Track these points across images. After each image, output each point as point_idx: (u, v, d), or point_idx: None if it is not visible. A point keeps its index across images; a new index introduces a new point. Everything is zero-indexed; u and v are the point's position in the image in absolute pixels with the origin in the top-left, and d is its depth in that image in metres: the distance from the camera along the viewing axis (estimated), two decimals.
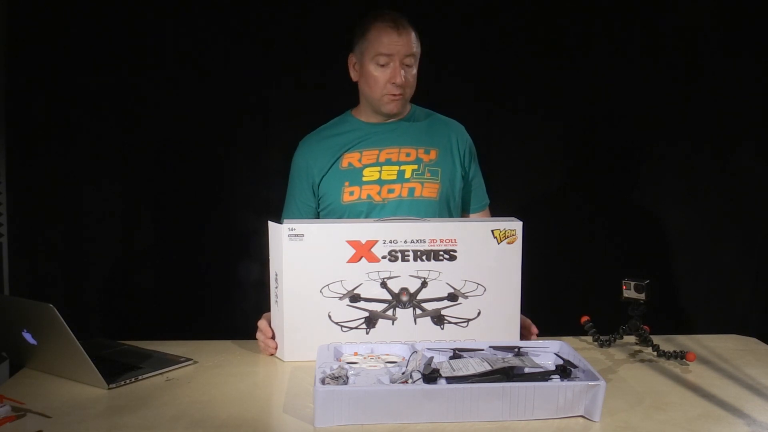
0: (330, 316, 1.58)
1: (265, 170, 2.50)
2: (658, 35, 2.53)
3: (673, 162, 2.60)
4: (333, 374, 1.35)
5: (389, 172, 1.86)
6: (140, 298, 2.53)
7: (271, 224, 1.58)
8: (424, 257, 1.58)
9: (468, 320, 1.61)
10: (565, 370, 1.37)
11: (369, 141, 1.89)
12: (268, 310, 1.64)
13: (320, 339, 1.53)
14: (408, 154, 1.88)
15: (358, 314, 1.58)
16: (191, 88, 2.45)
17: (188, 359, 1.60)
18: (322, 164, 1.88)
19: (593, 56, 2.54)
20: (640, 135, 2.59)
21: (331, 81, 2.17)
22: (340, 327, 1.58)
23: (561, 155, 2.63)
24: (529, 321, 1.71)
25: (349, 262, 1.56)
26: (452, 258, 1.58)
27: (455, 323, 1.61)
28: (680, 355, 1.61)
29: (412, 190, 1.85)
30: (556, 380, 1.35)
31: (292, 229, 1.54)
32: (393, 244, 1.57)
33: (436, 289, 1.59)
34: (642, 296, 1.67)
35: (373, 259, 1.56)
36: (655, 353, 1.65)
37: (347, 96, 1.95)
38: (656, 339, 1.70)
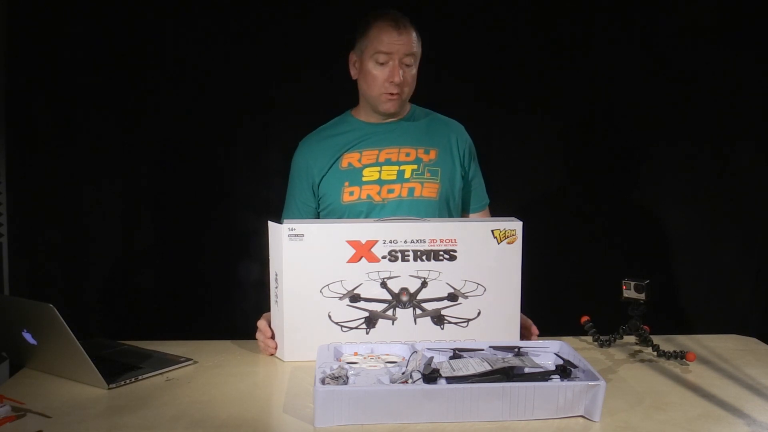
0: (330, 316, 1.58)
1: (265, 170, 2.50)
2: (658, 35, 2.53)
3: (673, 162, 2.60)
4: (333, 374, 1.35)
5: (389, 172, 1.86)
6: (140, 298, 2.53)
7: (271, 224, 1.58)
8: (424, 257, 1.58)
9: (468, 320, 1.61)
10: (565, 370, 1.37)
11: (369, 141, 1.89)
12: (268, 310, 1.64)
13: (320, 339, 1.53)
14: (408, 154, 1.88)
15: (358, 314, 1.58)
16: (191, 88, 2.45)
17: (188, 359, 1.61)
18: (321, 164, 1.89)
19: (593, 56, 2.54)
20: (640, 135, 2.59)
21: (331, 81, 2.17)
22: (340, 327, 1.58)
23: (561, 155, 2.63)
24: (529, 321, 1.71)
25: (349, 262, 1.56)
26: (452, 258, 1.58)
27: (455, 323, 1.61)
28: (680, 355, 1.61)
29: (411, 190, 1.86)
30: (556, 380, 1.35)
31: (292, 229, 1.54)
32: (393, 244, 1.57)
33: (436, 289, 1.59)
34: (642, 296, 1.67)
35: (373, 259, 1.56)
36: (655, 353, 1.65)
37: (347, 96, 1.95)
38: (656, 339, 1.70)
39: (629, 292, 1.68)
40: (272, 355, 1.64)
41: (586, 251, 2.61)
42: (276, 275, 1.59)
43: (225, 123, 2.49)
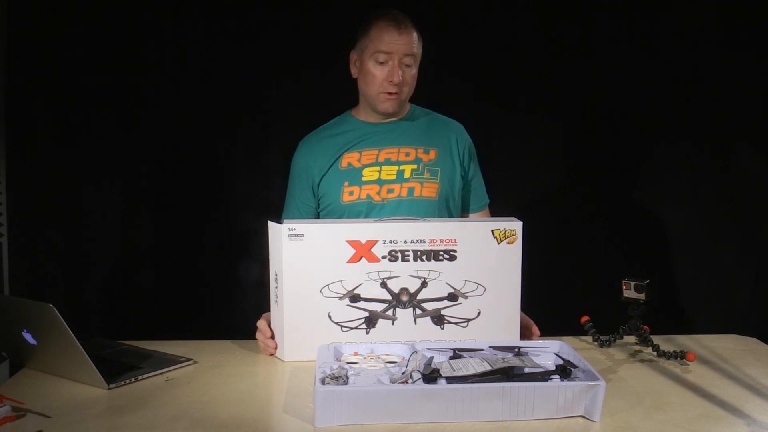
0: (330, 316, 1.58)
1: (265, 170, 2.50)
2: (658, 35, 2.53)
3: (673, 162, 2.60)
4: (333, 374, 1.35)
5: (389, 172, 1.86)
6: (140, 298, 2.53)
7: (271, 224, 1.58)
8: (424, 257, 1.58)
9: (468, 320, 1.61)
10: (565, 370, 1.37)
11: (368, 141, 1.89)
12: (268, 310, 1.64)
13: (320, 339, 1.53)
14: (407, 154, 1.88)
15: (358, 314, 1.58)
16: (191, 88, 2.45)
17: (188, 359, 1.60)
18: (321, 164, 1.89)
19: (593, 56, 2.54)
20: (640, 135, 2.59)
21: (331, 81, 2.17)
22: (340, 327, 1.58)
23: (561, 155, 2.63)
24: (531, 321, 1.71)
25: (349, 262, 1.56)
26: (452, 258, 1.58)
27: (455, 323, 1.61)
28: (680, 355, 1.61)
29: (411, 190, 1.86)
30: (556, 380, 1.35)
31: (292, 229, 1.54)
32: (393, 244, 1.57)
33: (436, 289, 1.59)
34: (642, 296, 1.67)
35: (373, 259, 1.56)
36: (655, 353, 1.65)
37: (347, 96, 1.95)
38: (656, 339, 1.70)
39: (629, 292, 1.68)
40: (272, 355, 1.64)
41: (586, 251, 2.61)
42: (276, 275, 1.59)
43: (225, 123, 2.49)
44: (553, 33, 2.54)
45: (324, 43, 2.36)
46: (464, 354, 1.46)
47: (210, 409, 1.35)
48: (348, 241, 1.56)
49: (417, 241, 1.57)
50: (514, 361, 1.37)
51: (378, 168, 1.86)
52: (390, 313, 1.59)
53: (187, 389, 1.45)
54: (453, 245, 1.58)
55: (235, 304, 2.49)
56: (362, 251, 1.56)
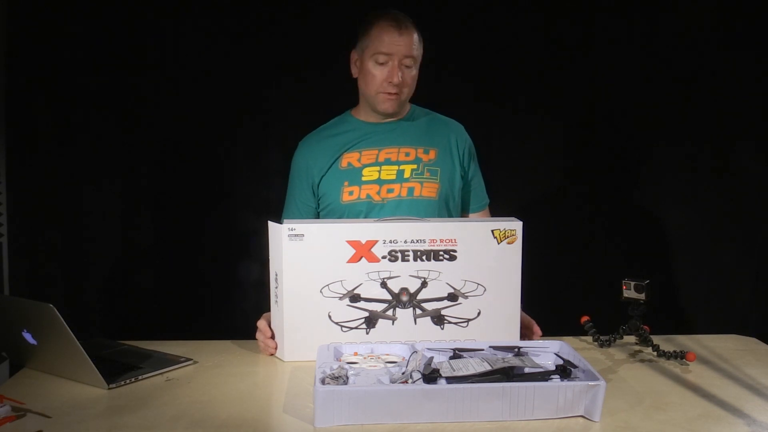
0: (330, 316, 1.58)
1: (265, 170, 2.50)
2: (658, 35, 2.53)
3: (673, 162, 2.60)
4: (333, 374, 1.35)
5: (388, 172, 1.86)
6: (140, 298, 2.53)
7: (271, 224, 1.58)
8: (424, 257, 1.58)
9: (468, 320, 1.61)
10: (565, 370, 1.37)
11: (368, 141, 1.89)
12: (268, 310, 1.64)
13: (320, 339, 1.53)
14: (407, 154, 1.88)
15: (358, 314, 1.58)
16: (191, 88, 2.45)
17: (188, 359, 1.61)
18: (321, 164, 1.89)
19: (593, 56, 2.54)
20: (640, 135, 2.59)
21: (331, 81, 2.17)
22: (340, 327, 1.58)
23: (561, 155, 2.63)
24: (532, 321, 1.71)
25: (349, 262, 1.56)
26: (452, 258, 1.58)
27: (455, 323, 1.61)
28: (680, 355, 1.61)
29: (411, 190, 1.86)
30: (556, 380, 1.35)
31: (292, 229, 1.54)
32: (393, 244, 1.57)
33: (436, 289, 1.59)
34: (642, 296, 1.67)
35: (373, 259, 1.56)
36: (655, 353, 1.65)
37: (347, 96, 1.95)
38: (656, 339, 1.70)
39: (629, 292, 1.68)
40: (272, 355, 1.64)
41: (586, 251, 2.61)
42: (276, 275, 1.59)
43: (225, 123, 2.49)
44: (553, 33, 2.54)
45: (324, 43, 2.36)
46: (464, 354, 1.46)
47: (210, 409, 1.35)
48: (348, 241, 1.56)
49: (417, 241, 1.57)
50: (514, 361, 1.37)
51: (378, 168, 1.86)
52: (390, 313, 1.59)
53: (187, 389, 1.45)
54: (453, 245, 1.58)
55: (235, 304, 2.49)
56: (362, 251, 1.56)
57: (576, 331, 1.79)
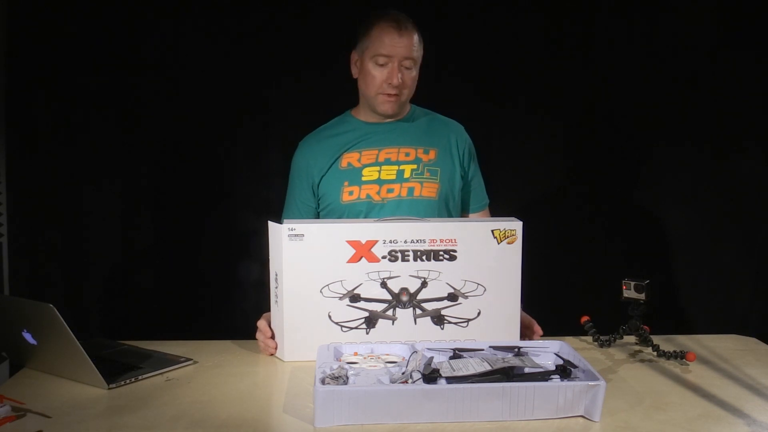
0: (330, 316, 1.58)
1: (265, 170, 2.50)
2: (658, 35, 2.53)
3: (673, 162, 2.60)
4: (333, 374, 1.35)
5: (388, 172, 1.86)
6: (140, 298, 2.53)
7: (271, 224, 1.58)
8: (424, 257, 1.58)
9: (468, 320, 1.61)
10: (565, 370, 1.37)
11: (368, 141, 1.89)
12: (268, 310, 1.64)
13: (320, 339, 1.53)
14: (407, 154, 1.88)
15: (358, 314, 1.58)
16: (191, 88, 2.45)
17: (188, 359, 1.61)
18: (321, 164, 1.89)
19: (593, 56, 2.54)
20: (640, 135, 2.59)
21: (331, 81, 2.17)
22: (340, 327, 1.58)
23: (561, 155, 2.63)
24: (533, 320, 1.71)
25: (349, 262, 1.56)
26: (452, 258, 1.58)
27: (455, 323, 1.61)
28: (680, 355, 1.61)
29: (411, 190, 1.85)
30: (556, 380, 1.35)
31: (292, 229, 1.54)
32: (393, 244, 1.57)
33: (436, 289, 1.59)
34: (642, 296, 1.67)
35: (373, 259, 1.56)
36: (655, 353, 1.65)
37: (347, 96, 1.95)
38: (656, 339, 1.70)
39: (629, 292, 1.68)
40: (272, 355, 1.64)
41: (586, 251, 2.61)
42: (276, 275, 1.59)
43: (225, 123, 2.49)
44: (553, 33, 2.54)
45: (324, 43, 2.36)
46: (464, 354, 1.46)
47: (210, 409, 1.35)
48: (348, 241, 1.56)
49: (417, 241, 1.57)
50: (514, 361, 1.37)
51: (378, 168, 1.86)
52: (390, 313, 1.59)
53: (187, 389, 1.45)
54: (453, 245, 1.58)
55: (235, 304, 2.49)
56: (362, 251, 1.56)
57: (576, 331, 1.79)
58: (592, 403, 1.28)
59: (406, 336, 1.58)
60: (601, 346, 1.74)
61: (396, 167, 1.86)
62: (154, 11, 2.40)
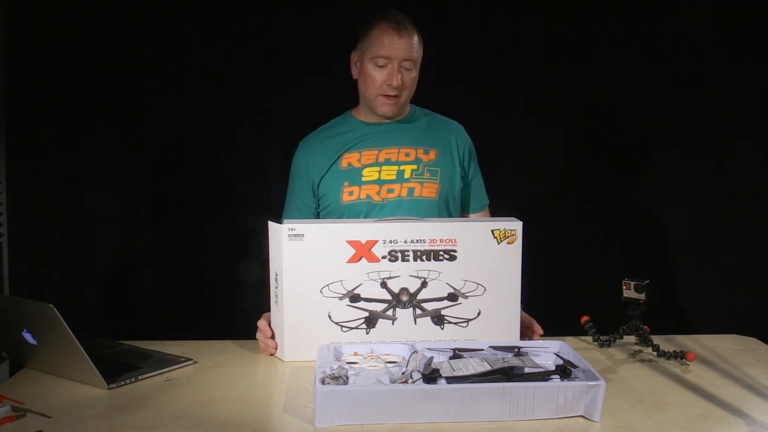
0: (330, 316, 1.58)
1: (265, 170, 2.50)
2: (658, 35, 2.53)
3: (673, 162, 2.60)
4: (333, 374, 1.35)
5: (388, 172, 1.86)
6: (140, 298, 2.53)
7: (271, 224, 1.58)
8: (424, 257, 1.58)
9: (468, 320, 1.61)
10: (565, 370, 1.37)
11: (368, 141, 1.89)
12: (268, 310, 1.64)
13: (320, 339, 1.53)
14: (407, 154, 1.88)
15: (358, 314, 1.58)
16: (191, 88, 2.45)
17: (188, 359, 1.61)
18: (321, 164, 1.89)
19: (593, 56, 2.54)
20: (640, 135, 2.59)
21: (331, 81, 2.17)
22: (340, 327, 1.58)
23: (561, 155, 2.63)
24: (533, 320, 1.71)
25: (349, 262, 1.56)
26: (452, 258, 1.58)
27: (455, 323, 1.61)
28: (680, 355, 1.61)
29: (411, 190, 1.85)
30: (556, 380, 1.35)
31: (292, 229, 1.54)
32: (393, 244, 1.57)
33: (436, 289, 1.59)
34: (642, 296, 1.67)
35: (373, 259, 1.56)
36: (655, 353, 1.65)
37: (347, 96, 1.95)
38: (656, 339, 1.70)
39: (629, 292, 1.68)
40: (272, 355, 1.64)
41: (586, 251, 2.61)
42: (276, 275, 1.59)
43: (225, 123, 2.49)
44: (553, 33, 2.54)
45: (324, 44, 2.36)
46: (464, 354, 1.46)
47: (210, 409, 1.35)
48: (348, 241, 1.56)
49: (417, 241, 1.57)
50: (514, 361, 1.37)
51: (378, 168, 1.86)
52: (390, 313, 1.59)
53: (187, 389, 1.45)
54: (453, 245, 1.58)
55: (235, 304, 2.49)
56: (362, 251, 1.56)
57: (576, 331, 1.79)
58: (592, 403, 1.28)
59: (406, 336, 1.58)
60: (601, 346, 1.74)
61: (396, 167, 1.86)
62: (154, 11, 2.40)
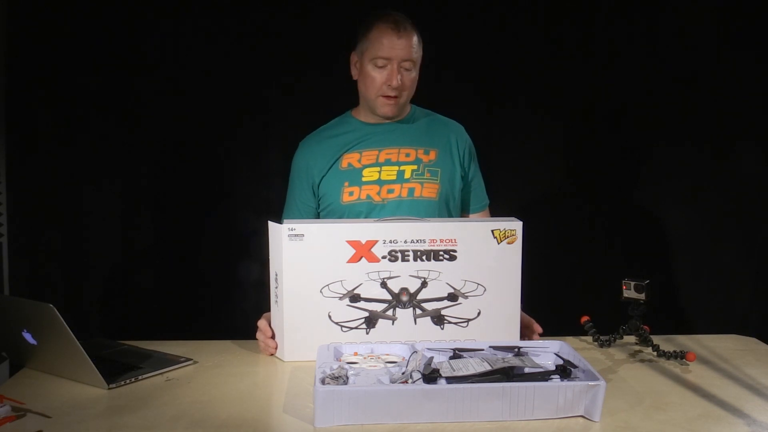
0: (330, 316, 1.58)
1: (265, 170, 2.50)
2: (658, 35, 2.53)
3: (673, 162, 2.60)
4: (333, 374, 1.35)
5: (389, 173, 1.86)
6: (140, 298, 2.53)
7: (271, 224, 1.58)
8: (424, 257, 1.58)
9: (468, 320, 1.61)
10: (565, 370, 1.37)
11: (368, 141, 1.89)
12: (268, 310, 1.64)
13: (320, 339, 1.53)
14: (407, 155, 1.88)
15: (358, 314, 1.58)
16: (191, 88, 2.45)
17: (188, 359, 1.61)
18: (321, 165, 1.89)
19: (593, 56, 2.54)
20: (640, 135, 2.59)
21: (331, 81, 2.17)
22: (340, 327, 1.58)
23: (561, 155, 2.63)
24: (531, 320, 1.71)
25: (349, 262, 1.56)
26: (452, 258, 1.58)
27: (455, 323, 1.61)
28: (680, 355, 1.61)
29: (411, 191, 1.85)
30: (556, 380, 1.35)
31: (292, 229, 1.54)
32: (393, 244, 1.57)
33: (436, 289, 1.59)
34: (642, 296, 1.67)
35: (373, 259, 1.56)
36: (655, 353, 1.65)
37: (347, 96, 1.95)
38: (656, 339, 1.70)
39: (629, 292, 1.68)
40: (272, 355, 1.64)
41: (586, 251, 2.61)
42: (276, 275, 1.59)
43: (225, 123, 2.49)
44: (553, 33, 2.54)
45: (324, 44, 2.36)
46: (464, 354, 1.46)
47: (210, 409, 1.35)
48: (348, 241, 1.56)
49: (417, 241, 1.57)
50: (514, 361, 1.37)
51: (378, 168, 1.86)
52: (390, 313, 1.59)
53: (187, 389, 1.45)
54: (453, 245, 1.58)
55: (235, 304, 2.49)
56: (362, 251, 1.56)
57: (576, 331, 1.79)
58: (592, 403, 1.28)
59: (406, 336, 1.58)
60: (601, 346, 1.74)
61: (396, 168, 1.86)
62: (154, 11, 2.40)
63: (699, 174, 2.60)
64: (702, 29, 2.52)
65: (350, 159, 1.88)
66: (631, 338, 1.74)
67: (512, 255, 1.59)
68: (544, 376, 1.36)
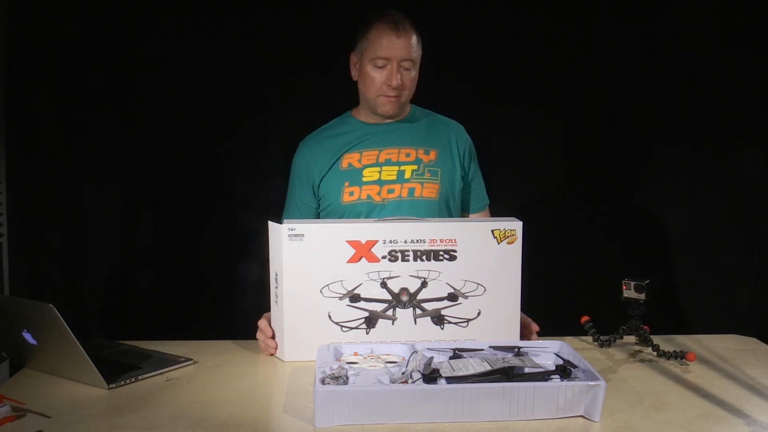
0: (330, 316, 1.58)
1: (265, 170, 2.50)
2: (658, 35, 2.53)
3: (673, 162, 2.60)
4: (333, 374, 1.35)
5: (389, 173, 1.86)
6: (140, 298, 2.53)
7: (271, 224, 1.58)
8: (424, 257, 1.58)
9: (468, 320, 1.61)
10: (565, 370, 1.37)
11: (369, 141, 1.89)
12: (268, 310, 1.64)
13: (320, 339, 1.53)
14: (408, 155, 1.88)
15: (358, 314, 1.58)
16: (191, 88, 2.45)
17: (188, 359, 1.61)
18: (322, 165, 1.89)
19: (593, 56, 2.54)
20: (640, 135, 2.59)
21: (331, 81, 2.17)
22: (340, 327, 1.58)
23: (561, 155, 2.63)
24: (529, 320, 1.71)
25: (349, 262, 1.56)
26: (452, 258, 1.58)
27: (455, 323, 1.61)
28: (680, 355, 1.61)
29: (411, 191, 1.86)
30: (556, 380, 1.35)
31: (292, 229, 1.54)
32: (393, 244, 1.57)
33: (436, 289, 1.59)
34: (642, 296, 1.67)
35: (373, 259, 1.56)
36: (655, 353, 1.65)
37: (347, 96, 1.95)
38: (656, 339, 1.70)
39: (629, 292, 1.68)
40: (272, 355, 1.64)
41: (586, 251, 2.61)
42: (276, 275, 1.59)
43: (225, 123, 2.49)
44: (553, 33, 2.54)
45: (324, 44, 2.36)
46: (464, 354, 1.46)
47: (210, 409, 1.35)
48: (348, 241, 1.56)
49: (417, 241, 1.57)
50: (514, 361, 1.37)
51: (378, 168, 1.86)
52: (390, 313, 1.59)
53: (187, 389, 1.45)
54: (453, 245, 1.58)
55: (235, 304, 2.49)
56: (362, 251, 1.56)
57: (576, 331, 1.79)
58: (592, 403, 1.28)
59: (406, 336, 1.58)
60: (601, 346, 1.74)
61: (396, 168, 1.87)
62: (154, 11, 2.40)
63: (699, 174, 2.60)
64: (702, 29, 2.52)
65: (350, 159, 1.88)
66: (631, 338, 1.74)
67: (512, 255, 1.59)
68: (544, 376, 1.36)
